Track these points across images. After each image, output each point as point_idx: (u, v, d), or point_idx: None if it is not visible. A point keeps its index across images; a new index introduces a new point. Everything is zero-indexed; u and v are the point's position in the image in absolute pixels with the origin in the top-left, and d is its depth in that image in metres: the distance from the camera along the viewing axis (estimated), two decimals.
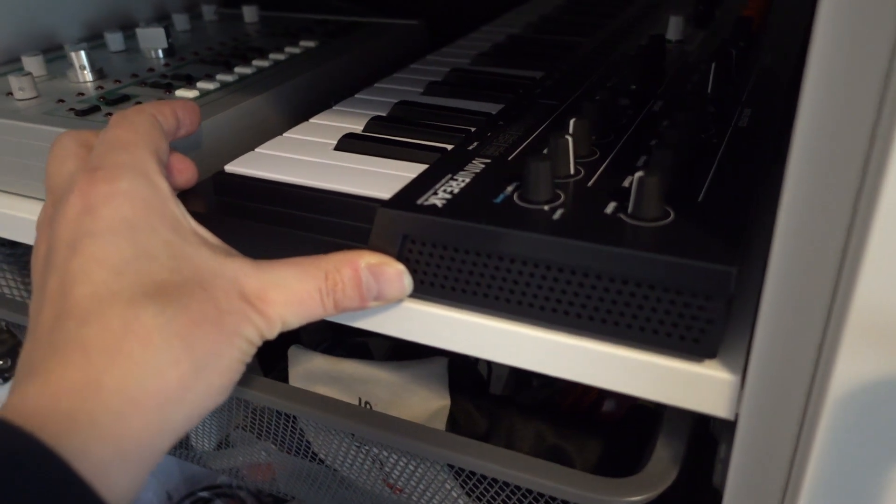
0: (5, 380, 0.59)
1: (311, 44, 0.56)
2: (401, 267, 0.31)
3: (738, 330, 0.30)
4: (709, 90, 0.42)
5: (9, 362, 0.59)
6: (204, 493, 0.74)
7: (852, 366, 0.23)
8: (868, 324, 0.22)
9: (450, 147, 0.38)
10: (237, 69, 0.50)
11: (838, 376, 0.24)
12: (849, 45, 0.20)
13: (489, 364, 0.54)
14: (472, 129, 0.40)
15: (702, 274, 0.27)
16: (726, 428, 0.31)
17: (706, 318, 0.27)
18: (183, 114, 0.36)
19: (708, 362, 0.29)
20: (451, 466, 0.39)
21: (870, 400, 0.23)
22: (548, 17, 0.65)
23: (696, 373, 0.29)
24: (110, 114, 0.43)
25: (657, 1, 0.68)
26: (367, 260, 0.31)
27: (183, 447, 0.57)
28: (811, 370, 0.25)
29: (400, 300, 0.32)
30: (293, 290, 0.30)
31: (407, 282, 0.31)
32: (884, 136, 0.20)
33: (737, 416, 0.29)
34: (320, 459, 0.47)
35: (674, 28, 0.54)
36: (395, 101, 0.46)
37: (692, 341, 0.28)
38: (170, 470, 0.74)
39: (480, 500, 0.40)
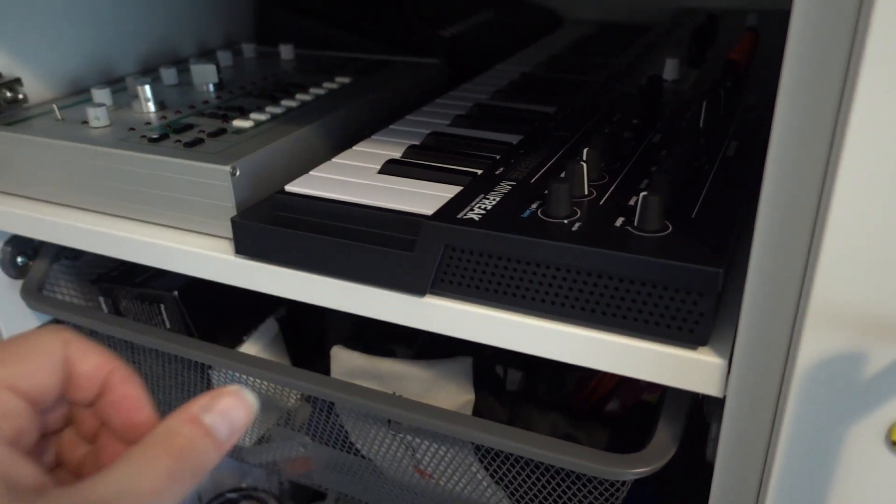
0: None
1: (346, 80, 0.63)
2: (234, 387, 0.28)
3: (726, 322, 0.36)
4: (701, 124, 0.49)
5: None
6: (232, 495, 0.79)
7: (813, 347, 0.29)
8: (823, 314, 0.28)
9: (479, 171, 0.44)
10: (283, 102, 0.57)
11: (803, 355, 0.30)
12: (807, 102, 0.26)
13: (504, 368, 0.60)
14: (497, 157, 0.46)
15: (694, 274, 0.33)
16: (717, 409, 0.37)
17: (699, 311, 0.34)
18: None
19: (701, 349, 0.35)
20: (478, 450, 0.45)
21: (827, 374, 0.29)
22: (556, 57, 0.72)
23: (691, 358, 0.35)
24: (179, 141, 0.49)
25: (655, 43, 0.75)
26: (199, 404, 0.26)
27: None
28: (784, 354, 0.31)
29: (251, 421, 0.28)
30: (140, 493, 0.24)
31: (249, 397, 0.28)
32: (831, 178, 0.26)
33: (725, 395, 0.35)
34: (356, 450, 0.52)
35: (670, 69, 0.61)
36: (427, 131, 0.52)
37: (687, 331, 0.34)
38: None
39: (502, 480, 0.46)
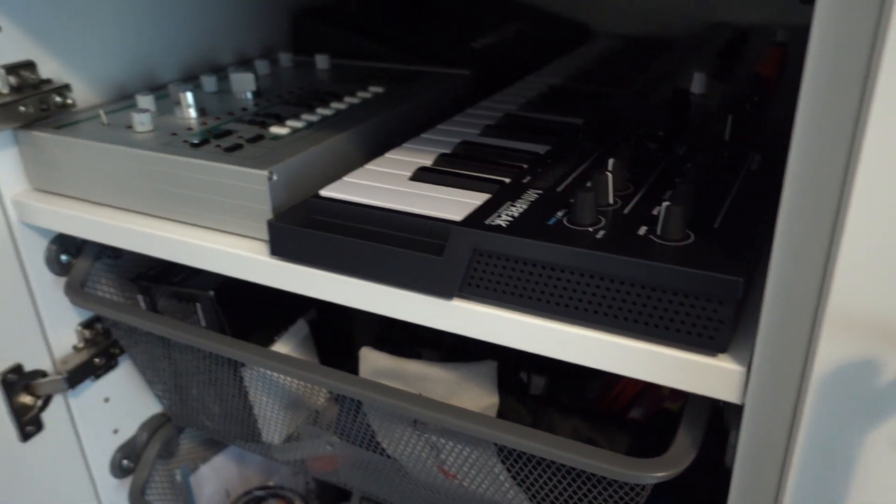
0: (97, 377, 0.67)
1: (379, 89, 0.64)
2: None
3: (747, 330, 0.37)
4: (726, 137, 0.50)
5: (102, 361, 0.67)
6: (259, 492, 0.81)
7: (830, 354, 0.30)
8: (840, 322, 0.29)
9: (507, 180, 0.46)
10: (318, 110, 0.59)
11: (819, 362, 0.30)
12: (825, 117, 0.27)
13: (528, 373, 0.61)
14: (525, 166, 0.47)
15: (715, 283, 0.34)
16: (736, 416, 0.38)
17: (719, 319, 0.34)
18: None
19: (721, 356, 0.36)
20: (501, 451, 0.46)
21: (843, 380, 0.30)
22: (585, 70, 0.73)
23: (711, 364, 0.36)
24: (219, 146, 0.51)
25: (684, 57, 0.76)
26: None
27: (252, 440, 0.64)
28: (802, 362, 0.32)
29: None
30: None
31: None
32: (848, 189, 0.27)
33: (743, 402, 0.35)
34: (381, 450, 0.54)
35: (697, 83, 0.62)
36: (457, 140, 0.53)
37: (708, 338, 0.35)
38: (229, 469, 0.81)
39: (524, 482, 0.47)
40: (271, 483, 0.83)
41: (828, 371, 0.30)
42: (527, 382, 0.60)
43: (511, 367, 0.59)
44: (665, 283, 0.35)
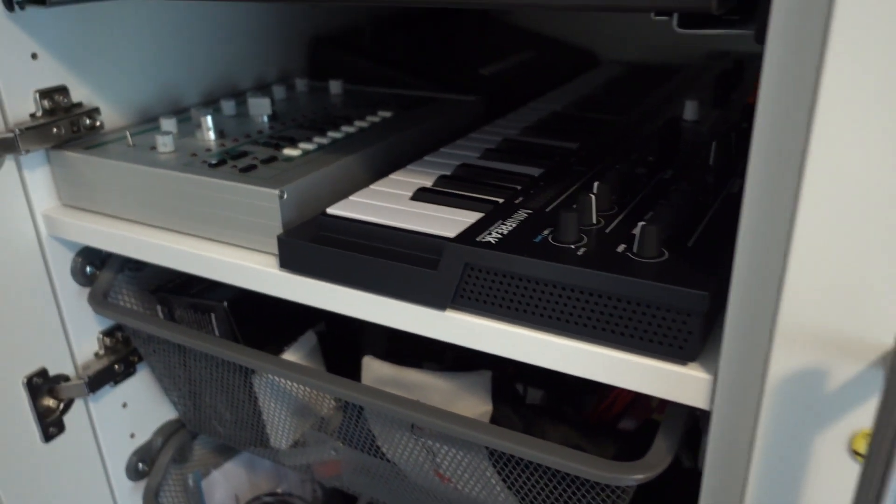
0: (116, 383, 0.71)
1: (387, 114, 0.68)
2: None
3: (716, 341, 0.39)
4: (710, 163, 0.53)
5: (122, 367, 0.70)
6: (268, 499, 0.84)
7: (781, 364, 0.33)
8: (790, 334, 0.32)
9: (501, 200, 0.49)
10: (329, 133, 0.62)
11: (773, 371, 0.33)
12: (775, 152, 0.30)
13: (525, 386, 0.64)
14: (519, 187, 0.51)
15: (683, 296, 0.36)
16: (706, 422, 0.40)
17: (688, 330, 0.37)
18: None
19: (691, 365, 0.38)
20: (492, 455, 0.49)
21: (794, 388, 0.33)
22: (586, 97, 0.77)
23: (681, 373, 0.38)
24: (235, 166, 0.55)
25: (682, 85, 0.79)
26: None
27: (261, 445, 0.67)
28: (762, 370, 0.35)
29: None
30: None
31: None
32: (794, 218, 0.30)
33: (711, 408, 0.38)
34: (382, 454, 0.57)
35: (690, 110, 0.65)
36: (458, 163, 0.57)
37: (678, 348, 0.38)
38: (239, 475, 0.84)
39: (514, 485, 0.49)
40: (279, 490, 0.86)
41: (780, 379, 0.33)
42: (523, 395, 0.62)
43: (507, 378, 0.62)
44: (638, 297, 0.38)
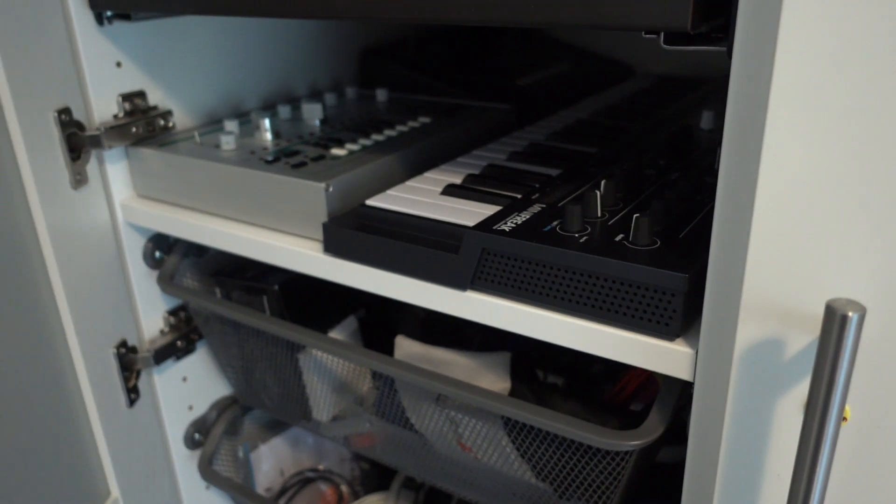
0: (178, 358, 0.79)
1: (427, 120, 0.75)
2: None
3: (698, 319, 0.44)
4: (716, 167, 0.58)
5: (183, 344, 0.78)
6: (311, 473, 0.91)
7: (745, 335, 0.38)
8: (752, 308, 0.37)
9: (519, 196, 0.55)
10: (373, 136, 0.69)
11: (739, 342, 0.38)
12: (739, 154, 0.36)
13: (545, 373, 0.69)
14: (536, 185, 0.56)
15: (666, 278, 0.42)
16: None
17: (672, 309, 0.43)
18: None
19: (677, 340, 0.44)
20: (507, 424, 0.55)
21: (756, 357, 0.38)
22: (613, 106, 0.82)
23: (668, 347, 0.44)
24: (288, 163, 0.62)
25: (705, 95, 0.83)
26: None
27: (305, 418, 0.74)
28: (731, 343, 0.40)
29: None
30: None
31: None
32: (752, 206, 0.35)
33: (693, 379, 0.43)
34: (411, 425, 0.63)
35: (706, 119, 0.70)
36: (485, 163, 0.63)
37: (664, 325, 0.43)
38: (285, 450, 0.91)
39: (526, 453, 0.55)
40: (321, 467, 0.93)
41: (745, 350, 0.38)
42: (543, 379, 0.68)
43: (528, 363, 0.67)
44: (629, 278, 0.43)
